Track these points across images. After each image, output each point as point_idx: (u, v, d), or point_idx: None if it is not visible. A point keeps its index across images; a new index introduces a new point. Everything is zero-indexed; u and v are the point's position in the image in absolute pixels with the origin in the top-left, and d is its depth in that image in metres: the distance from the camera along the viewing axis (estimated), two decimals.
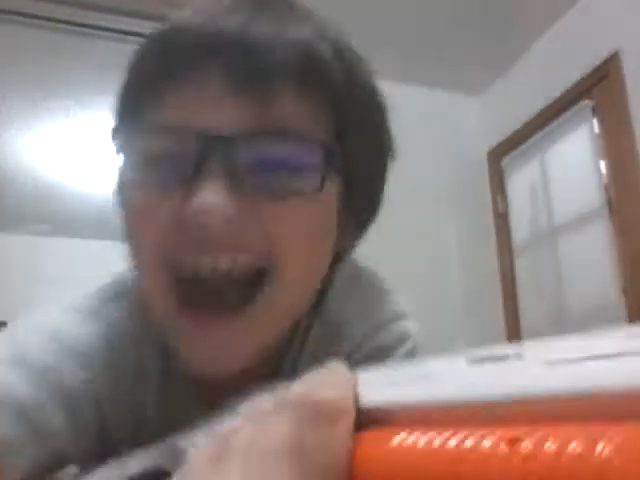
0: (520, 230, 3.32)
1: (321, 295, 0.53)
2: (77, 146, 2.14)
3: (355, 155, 0.48)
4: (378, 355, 0.55)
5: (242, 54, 0.42)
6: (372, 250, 2.87)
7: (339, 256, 0.53)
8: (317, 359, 0.34)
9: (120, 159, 0.45)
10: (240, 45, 0.42)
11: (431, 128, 3.56)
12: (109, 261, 2.14)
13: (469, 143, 3.65)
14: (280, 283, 0.42)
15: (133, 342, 0.50)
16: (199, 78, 0.43)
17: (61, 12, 2.22)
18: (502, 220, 3.43)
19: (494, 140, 3.54)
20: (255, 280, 0.42)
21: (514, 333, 3.25)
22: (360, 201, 0.53)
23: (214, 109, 0.42)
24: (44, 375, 0.44)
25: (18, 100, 2.12)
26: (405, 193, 3.36)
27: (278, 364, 0.51)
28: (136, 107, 0.46)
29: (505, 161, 3.47)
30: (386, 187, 0.60)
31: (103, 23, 2.25)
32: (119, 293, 0.53)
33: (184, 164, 0.41)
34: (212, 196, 0.39)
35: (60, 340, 0.47)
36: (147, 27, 2.27)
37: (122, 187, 0.46)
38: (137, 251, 0.45)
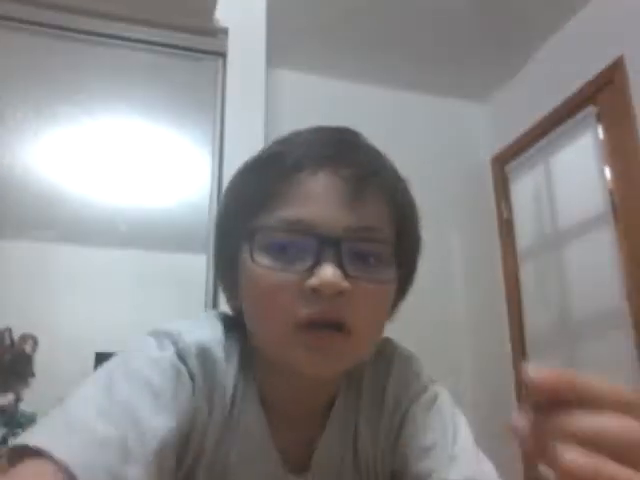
0: (524, 236, 3.32)
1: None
2: (83, 153, 2.15)
3: (405, 245, 0.69)
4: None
5: (347, 175, 0.63)
6: None
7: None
8: (371, 390, 0.74)
9: (250, 243, 0.63)
10: (345, 169, 0.63)
11: (435, 134, 3.57)
12: (114, 268, 2.15)
13: (473, 149, 3.66)
14: (353, 337, 0.62)
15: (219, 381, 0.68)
16: (316, 188, 0.63)
17: (67, 20, 2.23)
18: (506, 226, 3.43)
19: (498, 146, 3.54)
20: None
21: (518, 338, 3.24)
22: (406, 278, 0.72)
23: (327, 215, 0.62)
24: (135, 422, 0.56)
25: (24, 107, 2.13)
26: None
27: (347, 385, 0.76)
28: (267, 206, 0.64)
29: (509, 167, 3.47)
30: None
31: (110, 31, 2.27)
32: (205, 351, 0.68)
33: (305, 253, 0.61)
34: (330, 274, 0.59)
35: (155, 393, 0.59)
36: (154, 35, 2.29)
37: (251, 266, 0.63)
38: (267, 315, 0.63)
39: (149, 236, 2.11)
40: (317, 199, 0.62)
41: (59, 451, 0.49)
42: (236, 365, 0.69)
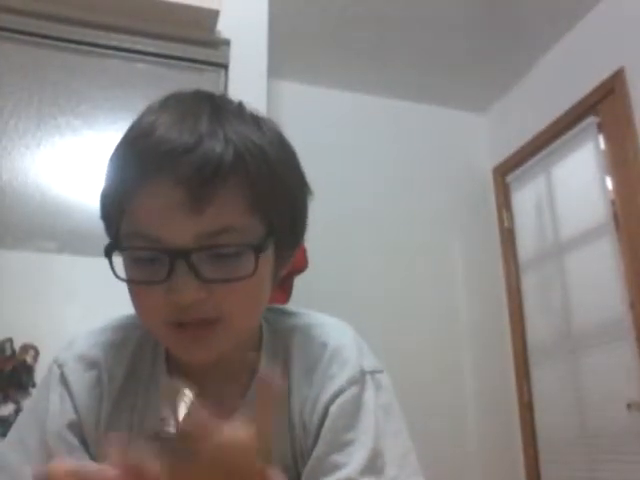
0: (526, 246, 3.32)
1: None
2: (85, 164, 2.15)
3: (278, 220, 0.67)
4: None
5: (188, 182, 0.60)
6: (380, 266, 2.89)
7: (280, 277, 0.75)
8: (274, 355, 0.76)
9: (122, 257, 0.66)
10: (185, 175, 0.60)
11: (437, 145, 3.58)
12: (115, 279, 2.14)
13: (475, 159, 3.66)
14: (227, 326, 0.65)
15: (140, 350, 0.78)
16: (160, 200, 0.61)
17: (70, 32, 2.24)
18: (508, 236, 3.43)
19: (500, 156, 3.55)
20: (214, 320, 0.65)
21: (520, 348, 3.23)
22: (288, 245, 0.72)
23: (174, 226, 0.61)
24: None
25: (27, 118, 2.14)
26: (411, 209, 3.36)
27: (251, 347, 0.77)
28: (114, 220, 0.67)
29: (511, 177, 3.48)
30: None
31: (112, 42, 2.28)
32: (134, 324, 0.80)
33: (162, 265, 0.62)
34: (182, 288, 0.61)
35: (94, 363, 0.76)
36: (157, 46, 2.30)
37: (126, 279, 0.66)
38: (141, 315, 0.69)
39: None
40: (162, 211, 0.62)
41: None
42: (132, 351, 0.78)
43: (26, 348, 1.84)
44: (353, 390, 0.71)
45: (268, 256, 0.67)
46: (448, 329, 3.24)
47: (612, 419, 2.61)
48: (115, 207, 0.66)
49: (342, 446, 0.68)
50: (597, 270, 2.79)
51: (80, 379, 0.75)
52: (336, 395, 0.71)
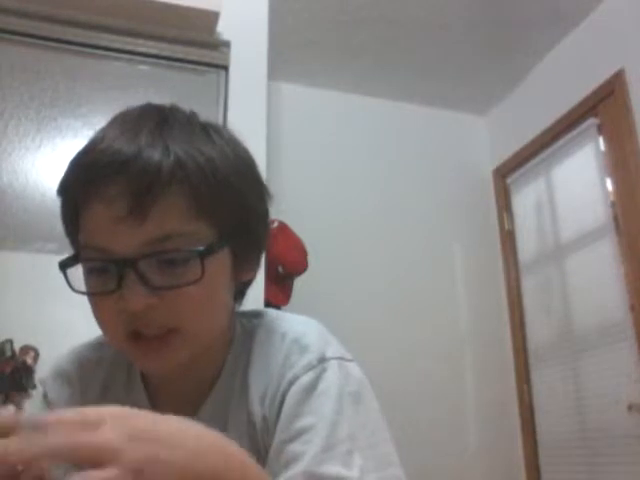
0: (526, 248, 3.32)
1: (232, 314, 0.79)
2: None
3: (229, 225, 0.68)
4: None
5: (127, 194, 0.62)
6: (380, 269, 2.89)
7: (245, 284, 0.78)
8: (237, 364, 0.75)
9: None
10: (124, 176, 0.62)
11: (437, 147, 3.58)
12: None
13: (475, 161, 3.66)
14: (183, 335, 0.66)
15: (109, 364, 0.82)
16: (100, 204, 0.64)
17: (71, 34, 2.24)
18: (508, 238, 3.43)
19: (500, 158, 3.55)
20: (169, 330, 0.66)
21: (521, 350, 3.23)
22: (247, 249, 0.73)
23: (118, 237, 0.63)
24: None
25: (27, 119, 2.14)
26: (411, 211, 3.36)
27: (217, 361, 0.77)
28: (69, 234, 0.72)
29: (511, 179, 3.47)
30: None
31: (112, 44, 2.28)
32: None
33: (111, 277, 0.64)
34: (131, 296, 0.62)
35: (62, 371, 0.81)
36: (157, 48, 2.30)
37: (82, 291, 0.68)
38: (100, 327, 0.69)
39: None
40: (108, 222, 0.64)
41: None
42: (108, 364, 0.81)
43: (26, 349, 1.84)
44: (309, 375, 0.69)
45: (222, 260, 0.68)
46: (449, 331, 3.24)
47: (613, 421, 2.61)
48: (70, 223, 0.70)
49: (298, 434, 0.65)
50: (597, 272, 2.78)
51: (58, 393, 0.80)
52: (292, 382, 0.69)
